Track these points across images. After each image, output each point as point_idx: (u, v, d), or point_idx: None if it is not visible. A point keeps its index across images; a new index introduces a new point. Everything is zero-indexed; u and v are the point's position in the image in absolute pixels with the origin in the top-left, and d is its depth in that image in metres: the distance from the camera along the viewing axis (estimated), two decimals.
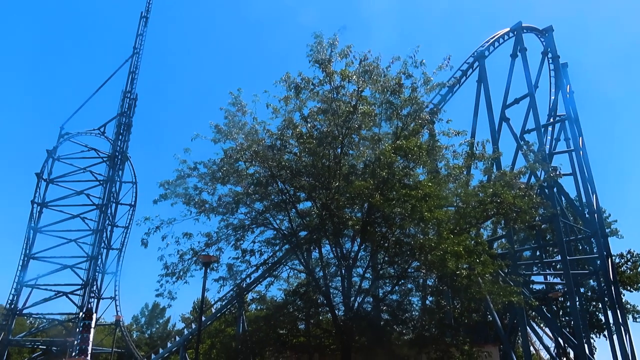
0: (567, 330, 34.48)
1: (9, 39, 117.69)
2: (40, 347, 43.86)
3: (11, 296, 40.76)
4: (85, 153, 46.76)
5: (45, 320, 45.31)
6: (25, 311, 42.72)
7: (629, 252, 42.08)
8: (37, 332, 46.30)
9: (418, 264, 17.69)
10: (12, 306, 40.61)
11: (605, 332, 35.47)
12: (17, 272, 41.56)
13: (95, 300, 44.03)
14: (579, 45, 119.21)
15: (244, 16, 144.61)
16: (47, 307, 42.41)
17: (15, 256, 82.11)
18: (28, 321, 53.06)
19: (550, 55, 37.65)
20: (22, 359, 47.13)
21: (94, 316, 38.10)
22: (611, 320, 31.43)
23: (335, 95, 17.88)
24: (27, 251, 42.09)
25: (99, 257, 43.87)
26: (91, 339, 33.96)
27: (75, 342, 35.53)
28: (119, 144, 46.91)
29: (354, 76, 17.57)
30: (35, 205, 43.28)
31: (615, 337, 30.03)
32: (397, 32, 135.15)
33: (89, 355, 32.71)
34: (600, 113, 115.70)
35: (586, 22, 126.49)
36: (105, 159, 46.88)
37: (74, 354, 33.59)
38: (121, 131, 47.33)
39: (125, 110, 47.85)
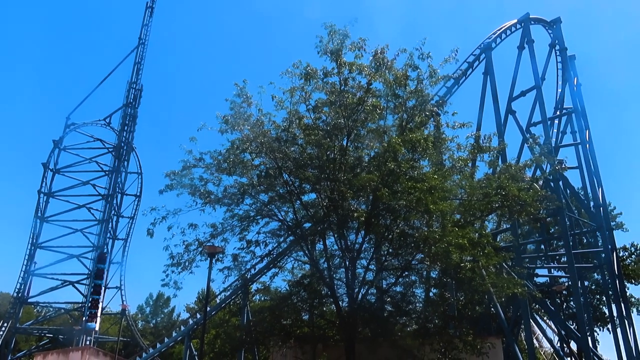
0: (571, 323, 34.49)
1: (16, 30, 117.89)
2: (47, 335, 44.37)
3: (19, 285, 41.21)
4: (91, 143, 47.11)
5: (52, 309, 45.82)
6: (32, 300, 43.20)
7: (632, 245, 42.03)
8: (44, 321, 46.84)
9: (422, 256, 17.70)
10: (20, 295, 41.07)
11: (609, 326, 35.51)
12: (24, 261, 41.98)
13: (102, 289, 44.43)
14: (587, 38, 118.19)
15: (249, 9, 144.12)
16: (53, 296, 42.88)
17: (23, 245, 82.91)
18: (35, 310, 53.62)
19: (557, 47, 37.23)
20: (30, 347, 47.56)
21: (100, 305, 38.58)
22: (615, 314, 31.42)
23: (343, 87, 17.83)
24: (34, 240, 42.48)
25: (105, 247, 44.24)
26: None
27: None
28: (124, 134, 47.14)
29: (365, 68, 17.49)
30: (42, 195, 43.63)
31: (619, 330, 30.03)
32: (401, 25, 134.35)
33: None
34: (608, 106, 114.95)
35: (594, 13, 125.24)
36: (110, 150, 47.13)
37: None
38: (126, 122, 47.58)
39: (131, 101, 48.07)
